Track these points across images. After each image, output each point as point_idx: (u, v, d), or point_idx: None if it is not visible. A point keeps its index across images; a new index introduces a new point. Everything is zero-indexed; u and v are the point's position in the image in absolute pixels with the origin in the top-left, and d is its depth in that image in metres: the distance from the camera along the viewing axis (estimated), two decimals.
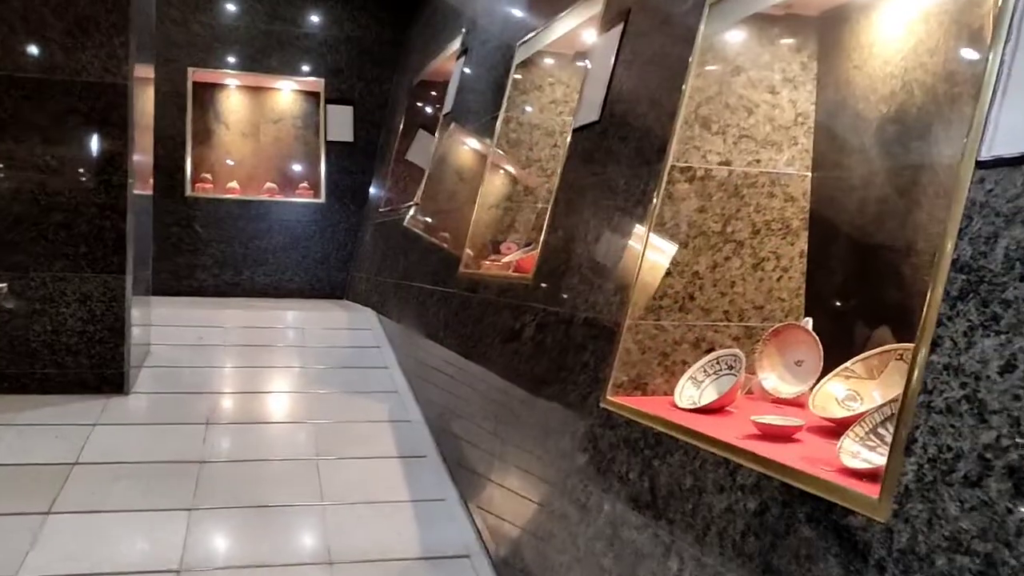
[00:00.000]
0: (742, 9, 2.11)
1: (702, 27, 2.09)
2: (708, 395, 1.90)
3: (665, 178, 2.06)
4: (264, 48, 7.15)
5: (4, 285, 3.31)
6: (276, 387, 4.03)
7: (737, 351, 1.94)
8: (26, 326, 3.45)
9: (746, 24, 2.13)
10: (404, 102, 6.78)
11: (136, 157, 3.79)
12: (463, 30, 5.04)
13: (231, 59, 7.08)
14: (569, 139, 2.82)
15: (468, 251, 3.76)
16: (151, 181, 4.21)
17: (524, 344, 2.70)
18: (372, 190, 7.22)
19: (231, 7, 7.07)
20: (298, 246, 7.11)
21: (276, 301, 6.67)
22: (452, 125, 4.74)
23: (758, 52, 2.13)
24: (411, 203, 5.41)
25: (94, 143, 3.47)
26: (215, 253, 6.89)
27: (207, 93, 7.42)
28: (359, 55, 7.37)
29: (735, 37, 2.12)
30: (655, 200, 2.07)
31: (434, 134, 6.96)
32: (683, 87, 2.08)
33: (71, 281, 3.49)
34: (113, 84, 3.47)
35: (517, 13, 4.05)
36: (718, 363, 1.95)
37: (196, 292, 6.81)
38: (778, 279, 2.15)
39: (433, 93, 6.74)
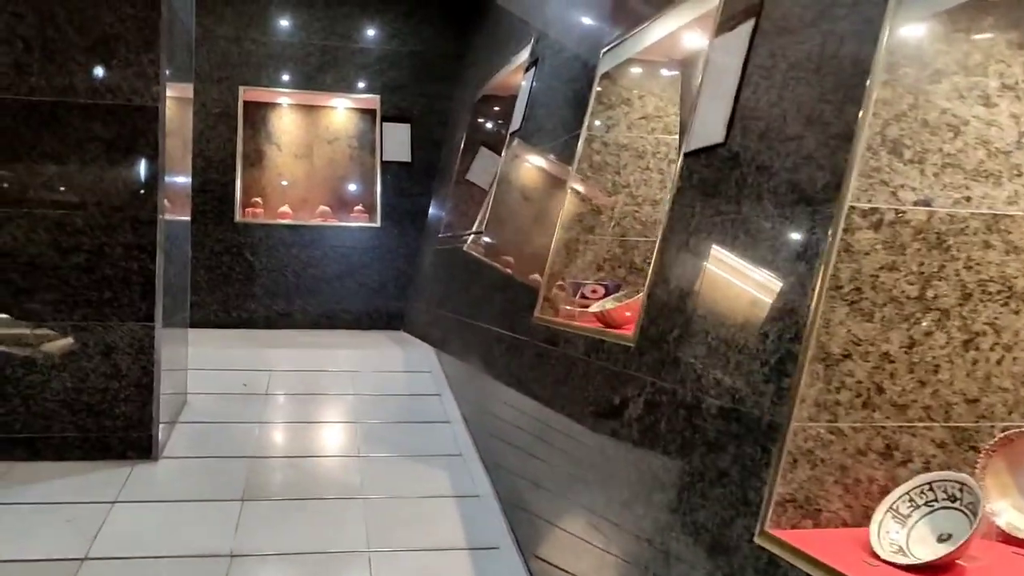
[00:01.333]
0: None
1: (889, 18, 1.52)
2: (922, 540, 1.32)
3: (841, 224, 1.49)
4: (319, 65, 6.77)
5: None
6: (324, 448, 3.55)
7: (966, 479, 1.35)
8: (42, 383, 3.04)
9: (949, 15, 1.55)
10: (465, 119, 6.31)
11: (173, 180, 3.38)
12: (532, 39, 4.53)
13: (284, 77, 6.72)
14: (679, 165, 2.26)
15: (544, 292, 3.22)
16: (189, 205, 3.78)
17: (626, 426, 2.15)
18: (431, 212, 6.76)
19: (285, 23, 6.71)
20: (353, 274, 6.68)
21: (329, 334, 6.24)
22: (520, 144, 4.23)
23: (966, 51, 1.55)
24: (473, 231, 4.91)
25: (120, 174, 3.05)
26: (266, 282, 6.50)
27: (259, 113, 7.07)
28: (418, 70, 6.94)
29: (934, 31, 1.54)
30: (824, 253, 1.50)
31: (498, 153, 6.49)
32: (863, 99, 1.52)
33: (93, 331, 3.07)
34: (142, 107, 3.05)
35: (600, 17, 3.51)
36: (931, 490, 1.37)
37: (246, 324, 6.42)
38: (998, 361, 1.55)
39: (496, 109, 6.26)
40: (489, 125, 6.32)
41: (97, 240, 3.05)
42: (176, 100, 3.43)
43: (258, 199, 6.91)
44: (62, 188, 3.01)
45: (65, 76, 2.99)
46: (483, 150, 6.38)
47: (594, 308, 2.80)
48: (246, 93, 6.73)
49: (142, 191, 3.07)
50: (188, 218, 3.80)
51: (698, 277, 1.98)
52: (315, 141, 7.21)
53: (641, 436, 2.06)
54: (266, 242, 6.53)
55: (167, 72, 3.13)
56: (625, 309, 2.64)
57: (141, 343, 3.09)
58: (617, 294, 2.88)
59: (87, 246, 3.05)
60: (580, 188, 3.27)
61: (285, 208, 6.90)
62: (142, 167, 3.07)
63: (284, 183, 7.08)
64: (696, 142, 2.20)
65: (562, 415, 2.71)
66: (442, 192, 6.51)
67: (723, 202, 1.96)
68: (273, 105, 7.10)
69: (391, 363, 4.70)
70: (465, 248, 4.92)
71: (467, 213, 6.16)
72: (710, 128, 2.13)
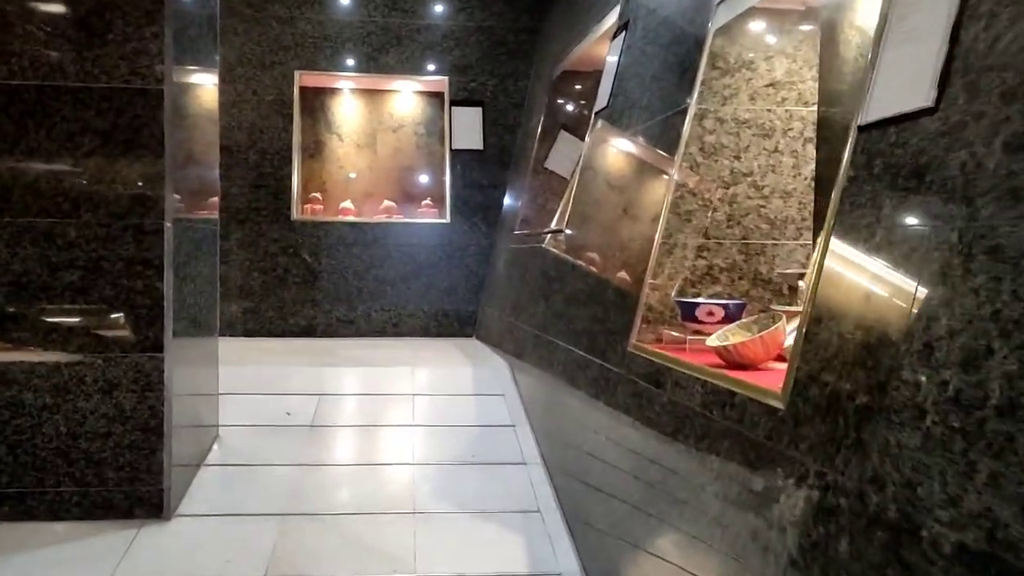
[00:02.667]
0: None
1: None
2: None
3: None
4: (381, 44, 6.24)
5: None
6: (373, 502, 2.99)
7: None
8: (32, 427, 2.57)
9: None
10: (543, 100, 5.67)
11: (193, 177, 2.87)
12: None
13: (343, 59, 6.22)
14: (852, 144, 1.57)
15: (642, 311, 2.56)
16: (215, 206, 3.27)
17: (777, 529, 1.49)
18: (506, 206, 6.15)
19: (344, 0, 6.20)
20: (420, 275, 6.14)
21: (393, 343, 5.71)
22: (607, 126, 3.57)
23: None
24: (552, 228, 4.27)
25: (119, 173, 2.54)
26: (326, 286, 6.02)
27: (317, 99, 6.60)
28: (490, 48, 6.33)
29: None
30: None
31: (581, 137, 5.83)
32: None
33: (91, 365, 2.57)
34: (143, 91, 2.53)
35: None
36: None
37: (305, 331, 5.96)
38: None
39: (578, 86, 5.62)
40: (570, 106, 5.68)
41: (93, 254, 2.55)
42: (192, 86, 2.90)
43: (317, 194, 6.44)
44: (51, 192, 2.52)
45: (53, 56, 2.49)
46: (563, 134, 5.75)
47: (713, 340, 2.13)
48: (302, 78, 6.25)
49: (147, 194, 2.55)
50: (215, 218, 3.28)
51: (902, 317, 1.29)
52: (378, 129, 6.69)
53: (806, 556, 1.39)
54: (325, 241, 6.05)
55: (173, 49, 2.60)
56: (760, 346, 1.97)
57: (148, 378, 2.59)
58: (743, 320, 2.20)
59: (81, 261, 2.55)
60: (687, 177, 2.59)
61: (347, 203, 6.41)
62: (145, 164, 2.54)
63: (352, 175, 6.59)
64: (880, 109, 1.50)
65: (674, 483, 2.06)
66: (518, 183, 5.89)
67: (936, 199, 1.27)
68: (332, 91, 6.61)
69: (459, 384, 4.12)
70: (543, 247, 4.30)
71: (546, 207, 5.53)
72: (906, 87, 1.43)
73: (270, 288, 5.96)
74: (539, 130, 5.54)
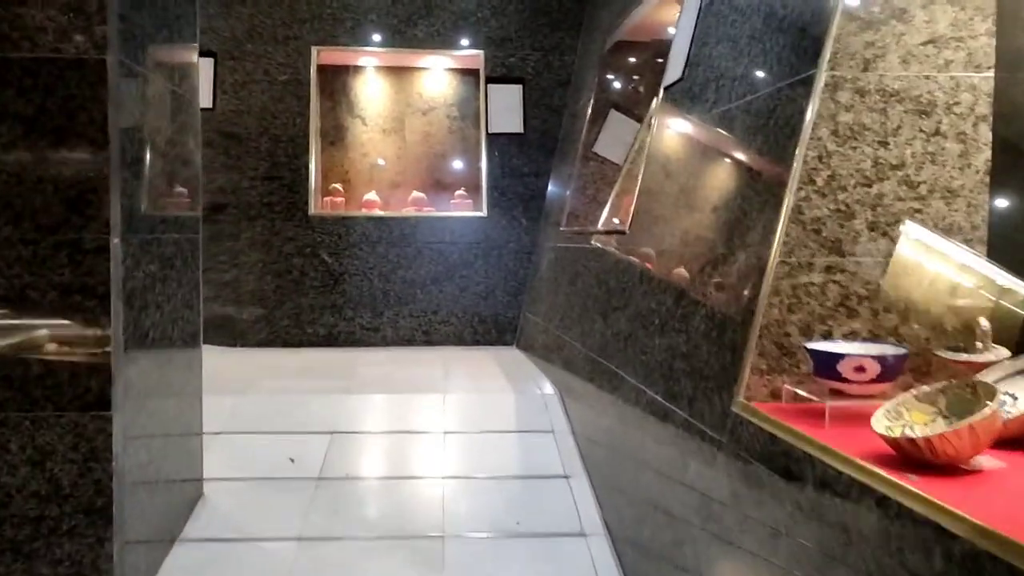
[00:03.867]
0: None
1: None
2: None
3: None
4: (408, 15, 5.59)
5: None
6: None
7: None
8: None
9: None
10: (593, 75, 4.99)
11: (160, 169, 2.26)
12: None
13: (367, 33, 5.58)
14: None
15: (753, 355, 1.89)
16: (195, 210, 2.68)
17: None
18: (550, 196, 5.48)
19: None
20: (454, 276, 5.50)
21: (425, 355, 5.09)
22: (681, 103, 2.88)
23: None
24: (611, 228, 3.61)
25: (47, 172, 1.92)
26: (348, 289, 5.42)
27: (337, 79, 5.97)
28: (531, 16, 5.65)
29: None
30: None
31: (636, 116, 5.15)
32: None
33: (16, 427, 1.97)
34: (79, 61, 1.91)
35: None
36: None
37: (324, 341, 5.36)
38: None
39: (634, 59, 4.94)
40: (625, 82, 4.99)
41: (16, 281, 1.94)
42: (156, 55, 2.29)
43: (338, 185, 5.83)
44: None
45: None
46: (613, 114, 5.06)
47: (881, 420, 1.45)
48: (321, 55, 5.63)
49: (85, 197, 1.94)
50: (193, 225, 2.68)
51: None
52: (406, 112, 6.05)
53: None
54: (347, 239, 5.44)
55: (120, 6, 1.97)
56: (967, 439, 1.29)
57: (91, 444, 1.98)
58: (925, 390, 1.51)
59: (0, 291, 1.95)
60: (815, 172, 1.91)
61: (371, 195, 5.79)
62: (84, 160, 1.93)
63: (380, 162, 5.97)
64: None
65: None
66: (564, 171, 5.22)
67: None
68: (354, 69, 5.98)
69: (499, 416, 3.49)
70: (599, 247, 3.64)
71: (597, 198, 4.86)
72: None
73: (285, 293, 5.37)
74: (589, 110, 4.86)
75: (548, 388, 3.85)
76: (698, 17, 2.91)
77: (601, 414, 3.12)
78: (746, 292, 1.98)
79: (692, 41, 2.92)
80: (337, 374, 4.25)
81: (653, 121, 3.27)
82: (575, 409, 3.52)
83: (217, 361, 4.59)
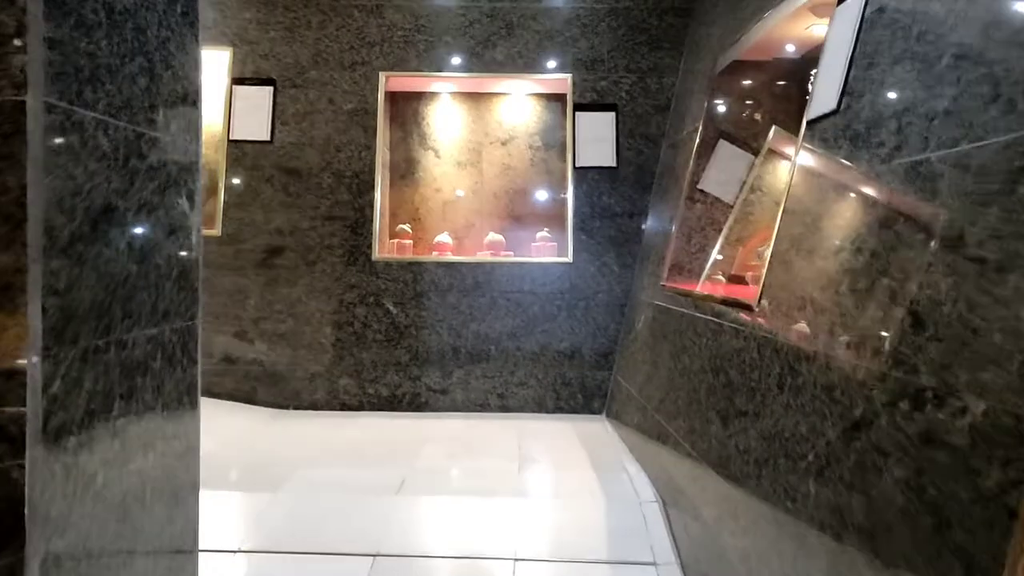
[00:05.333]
0: None
1: None
2: None
3: None
4: (487, 36, 5.01)
5: None
6: None
7: None
8: None
9: None
10: (700, 100, 4.29)
11: (123, 246, 1.69)
12: None
13: (441, 56, 5.01)
14: None
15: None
16: (193, 274, 2.08)
17: None
18: (647, 239, 4.78)
19: None
20: (534, 331, 4.84)
21: (497, 426, 4.43)
22: (838, 145, 2.16)
23: None
24: (731, 299, 2.90)
25: None
26: (414, 344, 4.82)
27: (408, 107, 5.43)
28: (626, 35, 4.98)
29: None
30: None
31: (749, 148, 4.43)
32: None
33: None
34: None
35: None
36: None
37: (387, 405, 4.77)
38: None
39: (752, 82, 4.26)
40: (738, 108, 4.28)
41: None
42: (123, 105, 1.72)
43: (406, 226, 5.26)
44: None
45: None
46: (723, 145, 4.37)
47: None
48: (390, 81, 5.09)
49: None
50: (190, 311, 2.10)
51: None
52: (484, 142, 5.45)
53: None
54: (414, 287, 4.85)
55: (46, 25, 1.39)
56: None
57: None
58: None
59: None
60: None
61: (443, 237, 5.20)
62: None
63: (459, 193, 5.40)
64: None
65: None
66: (664, 211, 4.52)
67: None
68: (427, 96, 5.44)
69: (585, 533, 2.79)
70: (708, 319, 2.93)
71: (706, 248, 4.14)
72: None
73: (345, 347, 4.81)
74: (696, 140, 4.15)
75: (647, 490, 3.13)
76: (859, 29, 2.18)
77: (724, 547, 2.39)
78: (995, 473, 1.24)
79: (851, 62, 2.19)
80: (393, 457, 3.63)
81: (796, 161, 2.54)
82: (683, 528, 2.79)
83: (262, 433, 4.06)
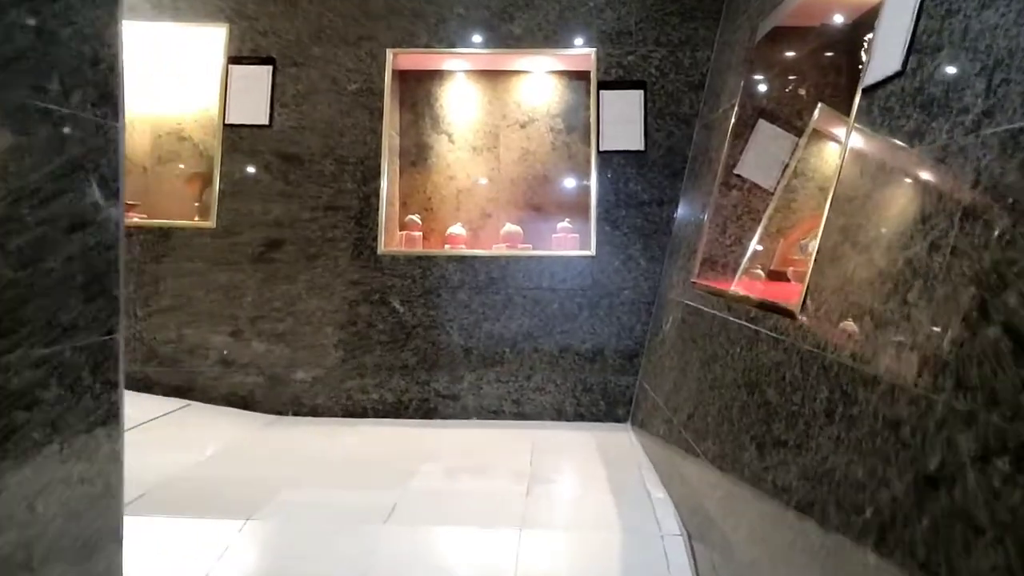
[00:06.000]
0: None
1: None
2: None
3: None
4: (503, 8, 4.62)
5: None
6: None
7: None
8: None
9: None
10: (738, 76, 3.87)
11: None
12: None
13: (454, 31, 4.63)
14: None
15: None
16: (110, 279, 1.73)
17: None
18: (677, 228, 4.36)
19: None
20: (553, 332, 4.45)
21: (510, 436, 4.06)
22: (906, 114, 1.73)
23: None
24: (767, 301, 2.49)
25: None
26: (422, 346, 4.46)
27: (419, 87, 5.07)
28: (655, 4, 4.57)
29: None
30: None
31: (792, 127, 4.00)
32: None
33: None
34: None
35: None
36: None
37: (392, 411, 4.43)
38: None
39: (792, 53, 3.80)
40: (780, 83, 3.86)
41: None
42: None
43: (415, 217, 4.90)
44: None
45: None
46: (762, 125, 3.95)
47: None
48: (397, 59, 4.72)
49: None
50: (108, 323, 1.76)
51: None
52: (501, 125, 5.06)
53: None
54: (422, 284, 4.49)
55: None
56: None
57: None
58: None
59: None
60: None
61: (456, 229, 4.83)
62: None
63: (482, 181, 5.03)
64: None
65: None
66: (696, 199, 4.10)
67: None
68: (439, 74, 5.07)
69: (595, 570, 2.40)
70: (743, 324, 2.53)
71: (742, 240, 3.73)
72: None
73: (348, 349, 4.47)
74: (732, 121, 3.73)
75: (670, 521, 2.74)
76: None
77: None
78: None
79: (920, 9, 1.76)
80: (387, 476, 3.28)
81: (850, 135, 2.11)
82: (711, 569, 2.38)
83: (251, 444, 3.73)
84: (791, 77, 3.93)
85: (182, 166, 5.10)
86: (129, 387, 4.57)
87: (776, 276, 3.68)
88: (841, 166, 2.06)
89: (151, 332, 4.48)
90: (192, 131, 5.14)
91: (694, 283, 3.57)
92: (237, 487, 3.06)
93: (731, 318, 2.75)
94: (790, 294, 2.82)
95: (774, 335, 2.24)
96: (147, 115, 5.13)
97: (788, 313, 2.15)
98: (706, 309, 3.18)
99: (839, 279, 1.87)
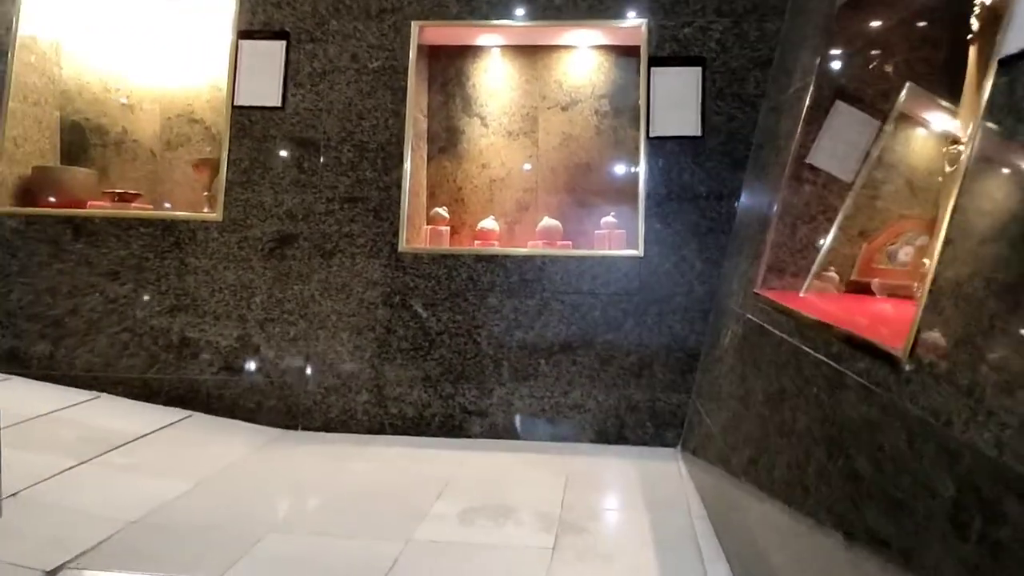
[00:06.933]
0: None
1: None
2: None
3: None
4: None
5: None
6: None
7: None
8: None
9: None
10: (814, 49, 3.33)
11: None
12: None
13: (488, 1, 4.15)
14: None
15: None
16: None
17: None
18: (739, 226, 3.84)
19: None
20: (594, 342, 3.96)
21: (540, 464, 3.60)
22: None
23: None
24: (860, 336, 1.98)
25: None
26: (446, 356, 4.02)
27: (449, 65, 4.62)
28: None
29: None
30: None
31: (876, 111, 3.46)
32: None
33: None
34: None
35: None
36: None
37: (412, 427, 4.00)
38: None
39: (875, 23, 3.29)
40: (862, 59, 3.31)
41: None
42: None
43: (442, 210, 4.45)
44: None
45: None
46: (839, 107, 3.39)
47: None
48: (424, 33, 4.26)
49: None
50: None
51: None
52: (540, 107, 4.57)
53: None
54: (448, 285, 4.04)
55: None
56: None
57: None
58: None
59: None
60: None
61: (488, 223, 4.38)
62: None
63: (527, 167, 4.56)
64: None
65: None
66: (761, 193, 3.58)
67: None
68: (471, 51, 4.61)
69: None
70: (824, 361, 2.04)
71: (815, 243, 3.20)
72: None
73: (365, 357, 4.05)
74: (806, 103, 3.19)
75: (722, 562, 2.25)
76: None
77: None
78: None
79: None
80: (393, 517, 2.85)
81: (986, 114, 1.58)
82: None
83: (247, 468, 3.32)
84: (875, 52, 3.37)
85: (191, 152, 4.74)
86: (129, 396, 4.23)
87: (856, 287, 3.14)
88: (972, 156, 1.53)
89: (152, 336, 4.12)
90: (204, 113, 4.76)
91: (757, 294, 3.05)
92: (217, 531, 2.66)
93: (805, 347, 2.23)
94: (885, 321, 2.29)
95: (867, 384, 1.72)
96: (155, 94, 4.77)
97: (889, 358, 1.64)
98: (772, 329, 2.66)
99: (972, 321, 1.35)
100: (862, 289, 3.05)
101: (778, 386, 2.43)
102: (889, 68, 3.37)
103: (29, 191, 4.38)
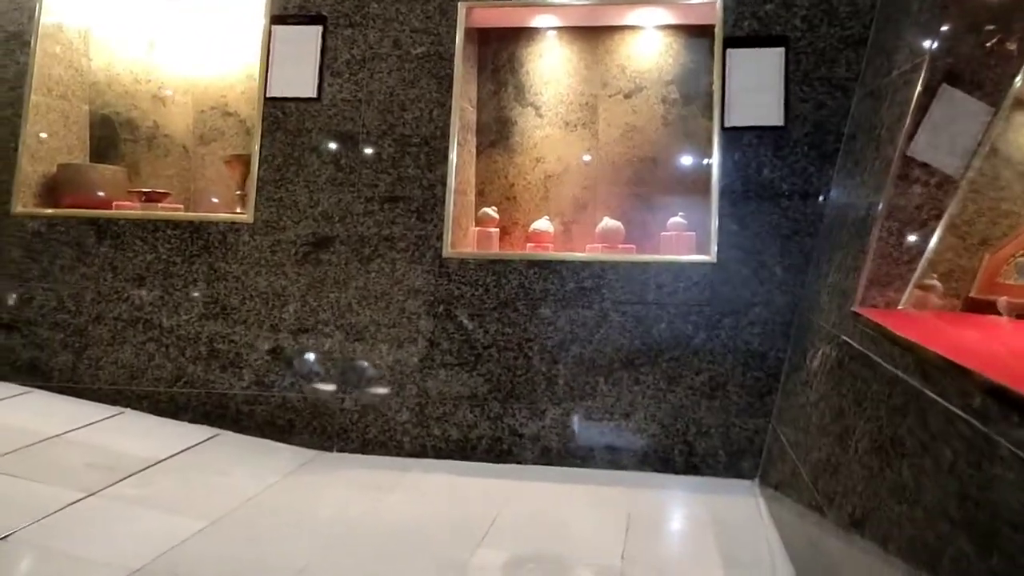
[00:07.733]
0: None
1: None
2: None
3: None
4: None
5: None
6: None
7: None
8: None
9: None
10: (921, 25, 2.86)
11: None
12: None
13: None
14: None
15: None
16: None
17: None
18: (829, 229, 3.39)
19: None
20: (659, 359, 3.56)
21: (599, 493, 3.21)
22: None
23: None
24: (989, 380, 1.52)
25: None
26: (494, 372, 3.66)
27: (500, 49, 4.25)
28: None
29: None
30: None
31: (993, 96, 3.00)
32: None
33: None
34: None
35: None
36: None
37: (456, 451, 3.66)
38: None
39: None
40: (975, 37, 2.84)
41: None
42: None
43: (490, 210, 4.09)
44: None
45: None
46: (945, 91, 2.92)
47: None
48: (473, 15, 3.90)
49: None
50: None
51: None
52: (601, 95, 4.17)
53: None
54: (496, 294, 3.67)
55: None
56: None
57: None
58: None
59: None
60: None
61: (542, 224, 4.01)
62: None
63: (586, 158, 4.18)
64: None
65: None
66: (856, 190, 3.13)
67: None
68: (525, 33, 4.22)
69: None
70: (946, 408, 1.61)
71: (923, 252, 2.74)
72: None
73: (406, 372, 3.72)
74: (918, 88, 2.73)
75: None
76: None
77: None
78: None
79: None
80: (428, 569, 2.49)
81: None
82: None
83: (271, 499, 2.99)
84: (990, 28, 2.89)
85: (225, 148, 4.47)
86: (154, 411, 3.96)
87: (977, 306, 2.67)
88: None
89: (179, 347, 3.85)
90: (238, 105, 4.47)
91: (857, 313, 2.61)
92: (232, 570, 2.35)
93: (930, 392, 1.80)
94: None
95: (1000, 439, 1.30)
96: (187, 85, 4.50)
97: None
98: (881, 362, 2.23)
99: None
100: (986, 309, 2.59)
101: (890, 434, 2.00)
102: (1011, 46, 2.90)
103: (54, 190, 4.16)
